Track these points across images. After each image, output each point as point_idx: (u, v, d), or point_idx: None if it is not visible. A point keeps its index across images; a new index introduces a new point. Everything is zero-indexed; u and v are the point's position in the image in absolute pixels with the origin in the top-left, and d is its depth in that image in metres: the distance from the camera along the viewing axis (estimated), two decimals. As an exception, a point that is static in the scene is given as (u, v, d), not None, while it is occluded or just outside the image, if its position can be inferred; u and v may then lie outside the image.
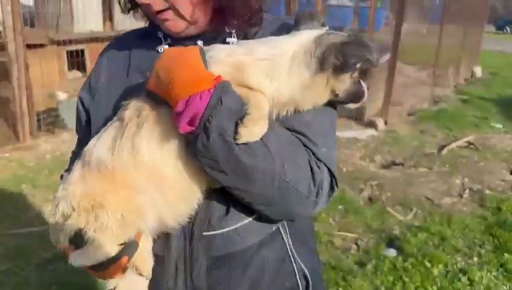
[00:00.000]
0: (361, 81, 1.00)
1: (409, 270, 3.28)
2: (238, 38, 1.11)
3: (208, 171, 0.95)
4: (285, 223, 1.15)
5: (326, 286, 1.72)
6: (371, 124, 6.98)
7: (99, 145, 1.00)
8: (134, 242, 0.99)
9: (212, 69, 0.93)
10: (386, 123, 7.10)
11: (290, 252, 1.16)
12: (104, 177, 0.98)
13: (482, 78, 12.20)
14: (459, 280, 3.22)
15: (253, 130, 0.91)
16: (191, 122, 0.89)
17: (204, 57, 0.94)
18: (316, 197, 1.03)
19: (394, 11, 7.76)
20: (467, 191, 4.79)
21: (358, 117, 7.15)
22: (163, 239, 1.07)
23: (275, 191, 0.98)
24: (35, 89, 5.77)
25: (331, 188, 1.07)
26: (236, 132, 0.90)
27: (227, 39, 1.10)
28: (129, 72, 1.18)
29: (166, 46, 1.14)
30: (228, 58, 0.95)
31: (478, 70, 12.43)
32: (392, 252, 3.54)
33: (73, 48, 6.56)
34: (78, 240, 0.96)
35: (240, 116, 0.90)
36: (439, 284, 3.16)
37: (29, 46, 5.69)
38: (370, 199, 4.55)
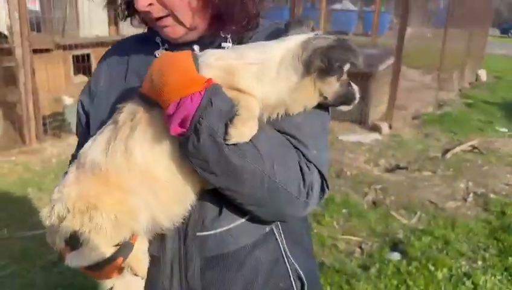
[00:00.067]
0: (352, 84, 1.02)
1: (413, 274, 3.28)
2: (233, 43, 1.13)
3: (200, 172, 0.96)
4: (279, 224, 1.16)
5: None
6: (375, 128, 6.98)
7: (93, 148, 1.02)
8: (129, 243, 1.01)
9: (203, 73, 0.95)
10: (390, 127, 7.11)
11: (283, 253, 1.17)
12: (98, 179, 0.99)
13: (487, 82, 12.19)
14: (463, 283, 3.22)
15: (242, 131, 0.92)
16: (182, 124, 0.91)
17: (196, 61, 0.97)
18: (306, 198, 1.04)
19: (398, 16, 7.77)
20: (471, 195, 4.78)
21: (362, 121, 7.17)
22: (158, 240, 1.09)
23: (264, 191, 0.99)
24: (41, 94, 5.82)
25: (322, 190, 1.08)
26: (226, 133, 0.92)
27: (223, 44, 1.12)
28: (127, 76, 1.20)
29: (164, 51, 1.15)
30: (219, 62, 0.98)
31: (483, 74, 12.41)
32: (396, 256, 3.54)
33: (79, 52, 6.61)
34: (74, 241, 0.98)
35: (230, 118, 0.92)
36: (443, 288, 3.16)
37: (35, 51, 5.74)
38: (374, 203, 4.55)
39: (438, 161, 5.84)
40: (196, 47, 1.12)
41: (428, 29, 10.04)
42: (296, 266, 1.19)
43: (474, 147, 6.26)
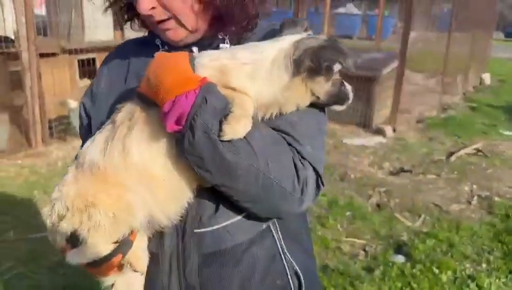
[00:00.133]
0: (345, 84, 1.03)
1: (417, 277, 3.29)
2: (231, 44, 1.14)
3: (196, 170, 0.98)
4: (276, 221, 1.17)
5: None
6: (379, 132, 6.99)
7: (92, 147, 1.04)
8: (129, 241, 1.03)
9: (198, 73, 0.97)
10: (394, 130, 7.11)
11: (280, 250, 1.18)
12: (96, 178, 1.01)
13: (491, 85, 12.17)
14: (468, 286, 3.22)
15: (236, 128, 0.94)
16: (178, 122, 0.94)
17: (192, 62, 0.99)
18: (301, 194, 1.05)
19: (402, 20, 7.79)
20: (476, 198, 4.78)
21: (366, 124, 7.18)
22: (157, 237, 1.11)
23: (259, 188, 1.00)
24: (47, 97, 5.87)
25: (317, 187, 1.09)
26: (220, 130, 0.94)
27: (221, 45, 1.14)
28: (127, 78, 1.22)
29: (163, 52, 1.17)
30: (213, 62, 1.00)
31: (487, 78, 12.40)
32: (400, 259, 3.55)
33: (84, 56, 6.65)
34: (74, 239, 1.00)
35: (224, 115, 0.94)
36: (447, 290, 3.17)
37: (41, 55, 5.78)
38: (378, 206, 4.56)
39: (442, 164, 5.84)
40: (195, 49, 1.14)
41: (432, 33, 10.04)
42: (294, 263, 1.20)
43: (478, 150, 6.26)
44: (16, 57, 5.56)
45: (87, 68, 6.67)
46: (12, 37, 5.83)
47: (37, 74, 5.62)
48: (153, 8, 1.05)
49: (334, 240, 3.82)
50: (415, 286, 3.19)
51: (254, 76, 0.98)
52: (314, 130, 1.10)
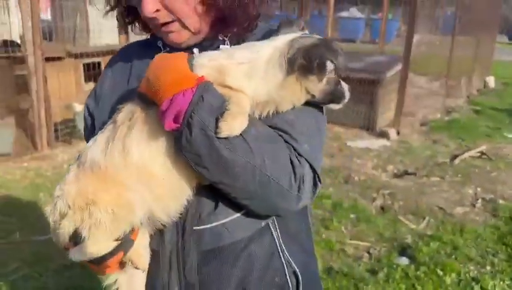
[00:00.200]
0: (342, 83, 1.05)
1: (422, 279, 3.29)
2: (231, 45, 1.16)
3: (194, 167, 1.00)
4: (275, 219, 1.18)
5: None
6: (383, 134, 6.99)
7: (93, 147, 1.07)
8: (130, 239, 1.05)
9: (196, 73, 0.99)
10: (398, 133, 7.11)
11: (279, 248, 1.18)
12: (97, 176, 1.03)
13: (495, 88, 12.14)
14: (472, 288, 3.22)
15: (232, 125, 0.95)
16: (176, 120, 0.95)
17: (191, 62, 1.01)
18: (298, 191, 1.06)
19: (405, 23, 7.80)
20: (480, 200, 4.78)
21: (370, 127, 7.19)
22: (158, 235, 1.13)
23: (256, 185, 1.02)
24: (52, 101, 5.92)
25: (314, 184, 1.09)
26: (217, 127, 0.95)
27: (221, 46, 1.16)
28: (130, 80, 1.25)
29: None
30: (211, 62, 1.02)
31: (491, 81, 12.37)
32: (404, 261, 3.55)
33: (89, 60, 6.70)
34: (76, 236, 1.02)
35: (221, 113, 0.96)
36: (451, 293, 3.17)
37: (47, 59, 5.83)
38: (382, 208, 4.56)
39: (446, 166, 5.84)
40: (196, 50, 1.15)
41: (436, 36, 10.05)
42: (292, 262, 1.21)
43: (482, 153, 6.25)
44: (22, 61, 5.62)
45: (92, 72, 6.71)
46: (19, 42, 5.89)
47: (43, 78, 5.67)
48: (157, 10, 1.07)
49: (338, 242, 3.83)
50: (419, 288, 3.19)
51: (250, 75, 1.00)
52: (312, 129, 1.11)
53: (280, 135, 1.06)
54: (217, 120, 0.95)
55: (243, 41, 1.15)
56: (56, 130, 6.02)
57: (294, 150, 1.05)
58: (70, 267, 3.30)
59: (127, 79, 1.25)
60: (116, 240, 1.03)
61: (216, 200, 1.10)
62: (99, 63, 6.79)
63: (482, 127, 7.93)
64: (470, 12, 9.98)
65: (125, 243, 1.04)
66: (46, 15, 7.29)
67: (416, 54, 7.54)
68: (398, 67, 7.43)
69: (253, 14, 1.15)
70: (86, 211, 1.01)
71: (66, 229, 1.03)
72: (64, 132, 6.16)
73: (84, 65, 6.71)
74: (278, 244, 1.19)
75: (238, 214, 1.11)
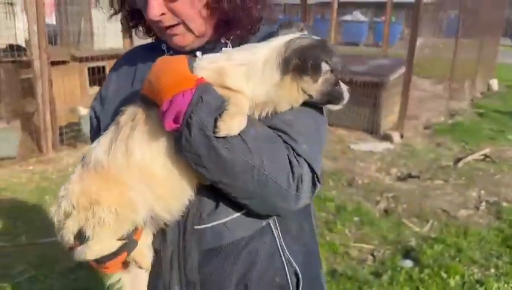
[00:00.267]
0: (341, 83, 1.05)
1: (425, 281, 3.29)
2: (233, 48, 1.17)
3: (193, 167, 1.01)
4: (276, 220, 1.18)
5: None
6: (387, 137, 7.00)
7: (97, 148, 1.08)
8: (133, 239, 1.07)
9: (197, 74, 1.01)
10: (401, 136, 7.12)
11: (280, 248, 1.19)
12: (100, 176, 1.05)
13: (499, 91, 12.11)
14: (476, 291, 3.23)
15: (230, 125, 0.97)
16: (176, 120, 0.97)
17: (191, 64, 1.03)
18: (297, 191, 1.06)
19: (409, 26, 7.82)
20: (483, 203, 4.77)
21: (373, 130, 7.19)
22: (160, 234, 1.15)
23: (255, 184, 1.02)
24: (58, 104, 5.97)
25: (313, 184, 1.10)
26: (215, 126, 0.96)
27: (223, 49, 1.17)
28: (134, 83, 1.27)
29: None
30: (211, 64, 1.04)
31: (494, 84, 12.34)
32: (408, 263, 3.56)
33: (94, 64, 6.75)
34: (82, 236, 1.04)
35: (220, 113, 0.97)
36: (455, 295, 3.17)
37: (52, 63, 5.88)
38: (386, 211, 4.57)
39: (450, 169, 5.84)
40: (198, 53, 1.17)
41: (439, 39, 10.06)
42: (293, 261, 1.21)
43: (486, 156, 6.25)
44: (28, 65, 5.66)
45: (97, 76, 6.76)
46: (24, 46, 5.94)
47: (49, 82, 5.72)
48: (163, 14, 1.09)
49: (342, 245, 3.84)
50: (423, 290, 3.20)
51: (249, 76, 1.01)
52: (311, 129, 1.11)
53: (279, 135, 1.07)
54: (215, 120, 0.97)
55: (245, 43, 1.17)
56: (61, 134, 6.07)
57: (293, 150, 1.06)
58: (76, 270, 3.33)
59: (131, 82, 1.27)
60: (120, 239, 1.05)
61: (217, 199, 1.11)
62: (103, 67, 6.84)
63: (485, 130, 7.93)
64: (474, 15, 9.99)
65: (128, 243, 1.06)
66: (51, 19, 7.35)
67: (419, 57, 7.56)
68: (402, 70, 7.44)
69: (256, 17, 1.17)
70: (90, 210, 1.02)
71: (70, 228, 1.05)
72: (69, 135, 6.20)
73: (89, 69, 6.76)
74: (278, 243, 1.19)
75: (239, 214, 1.13)
